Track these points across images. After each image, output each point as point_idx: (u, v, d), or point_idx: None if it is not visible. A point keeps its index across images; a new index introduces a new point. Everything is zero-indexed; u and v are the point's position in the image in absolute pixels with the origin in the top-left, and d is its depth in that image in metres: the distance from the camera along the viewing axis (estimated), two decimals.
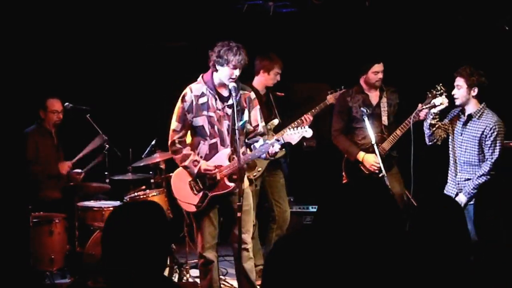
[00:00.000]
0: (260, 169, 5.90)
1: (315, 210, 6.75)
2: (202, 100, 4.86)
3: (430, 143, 5.23)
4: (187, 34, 7.25)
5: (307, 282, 1.70)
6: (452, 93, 5.04)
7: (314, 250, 1.74)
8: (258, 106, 5.06)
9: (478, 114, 5.00)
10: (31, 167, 6.18)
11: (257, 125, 5.04)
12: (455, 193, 5.10)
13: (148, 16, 7.06)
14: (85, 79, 7.18)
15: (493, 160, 4.93)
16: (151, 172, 6.26)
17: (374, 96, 5.86)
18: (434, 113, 5.10)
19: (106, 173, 6.29)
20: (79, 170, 6.28)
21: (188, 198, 4.93)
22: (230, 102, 4.87)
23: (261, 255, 6.01)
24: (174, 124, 4.87)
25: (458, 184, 5.11)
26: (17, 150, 6.12)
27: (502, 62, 6.46)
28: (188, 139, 4.98)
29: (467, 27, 6.64)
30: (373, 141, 5.28)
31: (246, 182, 5.00)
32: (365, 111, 5.42)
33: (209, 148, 4.88)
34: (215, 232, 4.99)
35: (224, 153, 4.87)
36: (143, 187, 6.23)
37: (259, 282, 4.93)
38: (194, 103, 4.84)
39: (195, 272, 5.91)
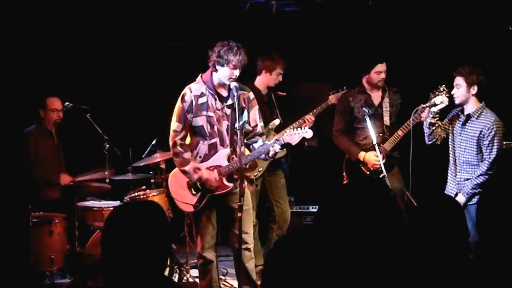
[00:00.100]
0: (261, 169, 5.89)
1: (315, 210, 6.73)
2: (202, 100, 4.86)
3: (430, 143, 5.23)
4: (188, 34, 7.25)
5: (306, 282, 1.69)
6: (452, 92, 5.04)
7: (314, 250, 1.73)
8: (257, 106, 5.05)
9: (477, 114, 4.99)
10: (31, 167, 6.17)
11: (256, 125, 5.04)
12: (455, 193, 5.09)
13: (149, 16, 7.06)
14: (85, 79, 7.18)
15: (490, 160, 4.92)
16: (151, 172, 6.26)
17: (376, 96, 5.85)
18: (433, 112, 5.09)
19: (106, 173, 6.29)
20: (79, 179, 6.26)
21: (186, 198, 4.92)
22: (229, 102, 4.88)
23: (262, 255, 6.00)
24: (174, 124, 4.86)
25: (458, 184, 5.11)
26: (17, 150, 6.12)
27: (502, 62, 6.45)
28: (187, 139, 4.98)
29: (467, 27, 6.64)
30: (375, 142, 5.28)
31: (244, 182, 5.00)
32: (367, 111, 5.41)
33: (209, 148, 4.88)
34: (214, 232, 5.00)
35: (223, 153, 4.87)
36: (143, 187, 6.23)
37: (259, 282, 4.93)
38: (193, 103, 4.84)
39: (195, 272, 5.90)
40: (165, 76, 7.28)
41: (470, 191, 4.98)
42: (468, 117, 5.03)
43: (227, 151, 4.87)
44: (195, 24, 7.12)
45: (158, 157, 6.12)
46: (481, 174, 4.95)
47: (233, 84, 4.78)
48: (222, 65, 4.77)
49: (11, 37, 6.16)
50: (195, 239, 5.09)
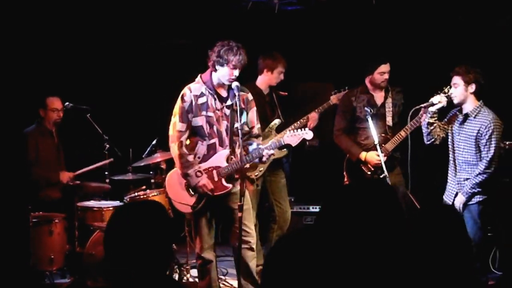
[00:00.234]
0: (262, 168, 5.89)
1: (315, 210, 6.75)
2: (201, 100, 4.85)
3: (428, 142, 5.22)
4: (190, 33, 7.24)
5: (306, 282, 1.69)
6: (450, 92, 5.03)
7: (314, 250, 1.73)
8: (255, 108, 5.06)
9: (475, 113, 4.99)
10: (31, 167, 6.17)
11: (253, 127, 5.05)
12: (455, 193, 5.09)
13: (149, 16, 7.06)
14: (85, 79, 7.18)
15: (489, 159, 4.91)
16: (151, 172, 6.26)
17: (379, 97, 5.84)
18: (431, 111, 5.09)
19: (106, 173, 6.29)
20: (78, 182, 6.26)
21: (184, 199, 4.91)
22: (229, 102, 4.88)
23: (262, 255, 5.99)
24: (178, 124, 4.84)
25: (458, 184, 5.10)
26: (17, 150, 6.12)
27: (502, 62, 6.46)
28: (188, 140, 4.98)
29: (467, 27, 6.64)
30: (376, 142, 5.27)
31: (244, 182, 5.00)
32: (369, 111, 5.40)
33: (208, 148, 4.88)
34: (213, 232, 5.00)
35: (222, 154, 4.87)
36: (144, 187, 6.22)
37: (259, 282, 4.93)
38: (193, 103, 4.84)
39: (195, 272, 5.90)
40: (165, 76, 7.28)
41: (470, 190, 4.97)
42: (466, 116, 5.02)
43: (226, 152, 4.87)
44: (197, 23, 7.12)
45: (158, 157, 6.11)
46: (479, 173, 4.94)
47: (235, 84, 4.78)
48: (222, 65, 4.77)
49: (12, 37, 6.16)
50: (194, 239, 5.09)
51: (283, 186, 6.17)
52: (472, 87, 4.96)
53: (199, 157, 4.89)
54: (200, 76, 4.93)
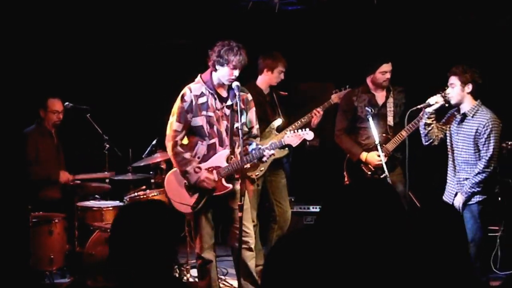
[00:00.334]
0: (262, 168, 5.89)
1: (315, 210, 6.75)
2: (202, 100, 4.85)
3: (427, 143, 5.20)
4: (190, 33, 7.24)
5: (306, 282, 1.69)
6: (447, 92, 5.01)
7: (314, 250, 1.73)
8: (254, 108, 5.07)
9: (473, 113, 4.97)
10: (31, 167, 6.17)
11: (252, 127, 5.06)
12: (455, 193, 5.07)
13: (149, 16, 7.05)
14: (85, 79, 7.18)
15: (487, 158, 4.89)
16: (151, 172, 6.26)
17: (380, 96, 5.83)
18: (428, 112, 5.08)
19: (106, 172, 6.28)
20: (78, 182, 6.26)
21: (184, 199, 4.90)
22: (229, 102, 4.88)
23: (262, 255, 6.00)
24: (175, 124, 4.84)
25: (458, 184, 5.08)
26: (17, 150, 6.12)
27: (502, 62, 6.46)
28: (185, 139, 4.97)
29: (467, 27, 6.64)
30: (377, 142, 5.27)
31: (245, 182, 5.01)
32: (370, 111, 5.39)
33: (208, 148, 4.88)
34: (213, 232, 5.00)
35: (222, 154, 4.87)
36: (143, 187, 6.22)
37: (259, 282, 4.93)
38: (194, 102, 4.83)
39: (195, 272, 5.90)
40: (165, 76, 7.28)
41: (469, 190, 4.96)
42: (464, 116, 5.01)
43: (226, 152, 4.87)
44: (197, 23, 7.11)
45: (158, 157, 6.11)
46: (479, 172, 4.92)
47: (235, 84, 4.78)
48: (222, 65, 4.77)
49: (12, 38, 6.15)
50: (194, 239, 5.08)
51: (284, 186, 6.17)
52: (469, 87, 4.95)
53: (199, 157, 4.89)
54: (200, 76, 4.93)
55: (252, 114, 5.04)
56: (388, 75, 5.73)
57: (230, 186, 4.89)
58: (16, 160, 6.02)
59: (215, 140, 4.87)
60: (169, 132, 4.87)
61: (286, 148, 5.81)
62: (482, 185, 4.93)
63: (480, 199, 4.98)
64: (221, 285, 5.68)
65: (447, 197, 5.18)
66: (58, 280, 5.87)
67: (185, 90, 4.88)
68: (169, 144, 4.87)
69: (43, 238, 5.65)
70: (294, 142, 4.96)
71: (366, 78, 5.84)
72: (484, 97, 5.08)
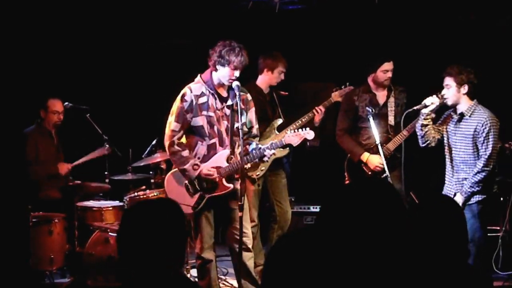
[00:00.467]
0: (263, 168, 5.89)
1: (316, 210, 6.74)
2: (202, 100, 4.85)
3: (424, 145, 5.18)
4: (190, 33, 7.24)
5: (307, 282, 1.69)
6: (442, 93, 5.00)
7: (315, 250, 1.73)
8: (254, 108, 5.06)
9: (470, 112, 4.96)
10: (30, 167, 6.16)
11: (252, 127, 5.06)
12: (453, 193, 5.05)
13: (149, 15, 7.05)
14: (85, 79, 7.17)
15: (487, 156, 4.88)
16: (151, 172, 6.26)
17: (381, 96, 5.82)
18: (425, 113, 5.06)
19: (106, 173, 6.29)
20: (79, 182, 6.26)
21: (184, 200, 4.89)
22: (229, 102, 4.88)
23: (263, 255, 5.99)
24: (173, 124, 4.84)
25: (456, 184, 5.07)
26: (17, 150, 6.11)
27: (502, 62, 6.45)
28: (183, 139, 4.97)
29: (467, 27, 6.64)
30: (377, 141, 5.26)
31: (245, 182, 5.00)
32: (370, 110, 5.37)
33: (208, 148, 4.87)
34: (212, 232, 5.00)
35: (223, 154, 4.87)
36: (143, 187, 6.22)
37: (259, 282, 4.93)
38: (194, 102, 4.83)
39: (195, 272, 5.90)
40: (165, 76, 7.27)
41: (469, 189, 4.95)
42: (462, 116, 4.99)
43: (226, 152, 4.87)
44: (197, 23, 7.11)
45: (158, 157, 6.11)
46: (478, 172, 4.91)
47: (235, 84, 4.78)
48: (223, 65, 4.77)
49: (12, 38, 6.15)
50: (194, 239, 5.08)
51: (284, 186, 6.17)
52: (465, 88, 4.94)
53: (199, 158, 4.89)
54: (200, 76, 4.93)
55: (252, 114, 5.04)
56: (389, 74, 5.72)
57: (231, 186, 4.89)
58: (16, 160, 6.02)
59: (215, 140, 4.86)
60: (167, 132, 4.87)
61: (287, 148, 5.80)
62: (482, 184, 4.92)
63: (480, 198, 4.97)
64: (221, 285, 5.67)
65: None
66: (58, 280, 5.87)
67: (185, 90, 4.88)
68: (166, 144, 4.88)
69: (43, 238, 5.65)
70: (295, 141, 4.96)
71: (367, 77, 5.83)
72: (485, 97, 5.08)
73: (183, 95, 4.85)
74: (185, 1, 6.93)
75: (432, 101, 5.02)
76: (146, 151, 6.32)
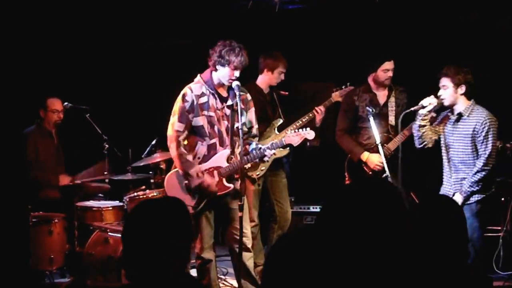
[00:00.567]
0: (263, 168, 5.89)
1: (315, 210, 6.74)
2: (203, 99, 4.85)
3: (420, 146, 5.16)
4: (190, 33, 7.23)
5: (307, 282, 1.69)
6: (438, 94, 4.98)
7: (315, 250, 1.73)
8: (253, 108, 5.06)
9: (468, 112, 4.95)
10: (30, 167, 6.16)
11: (252, 127, 5.06)
12: (452, 193, 5.04)
13: (149, 15, 7.05)
14: (85, 79, 7.17)
15: (486, 155, 4.87)
16: (151, 172, 6.26)
17: (382, 95, 5.82)
18: (423, 114, 5.05)
19: (105, 173, 6.28)
20: (78, 182, 6.26)
21: (184, 200, 4.86)
22: (229, 102, 4.87)
23: (263, 255, 5.99)
24: (177, 124, 4.82)
25: (454, 184, 5.05)
26: (17, 150, 6.12)
27: (502, 62, 6.45)
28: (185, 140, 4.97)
29: (467, 27, 6.64)
30: (378, 141, 5.25)
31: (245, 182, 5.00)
32: (370, 110, 5.36)
33: (208, 148, 4.87)
34: (212, 232, 5.00)
35: (223, 154, 4.87)
36: (143, 187, 6.22)
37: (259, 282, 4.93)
38: (195, 103, 4.83)
39: (195, 272, 5.89)
40: (165, 76, 7.27)
41: (468, 189, 4.94)
42: (460, 116, 4.98)
43: (227, 152, 4.87)
44: (197, 23, 7.11)
45: (157, 157, 6.11)
46: (478, 171, 4.90)
47: (235, 83, 4.77)
48: (223, 65, 4.77)
49: (12, 37, 6.15)
50: (194, 240, 5.08)
51: (284, 186, 6.17)
52: (462, 89, 4.93)
53: (199, 158, 4.88)
54: (200, 76, 4.92)
55: (251, 114, 5.04)
56: (390, 73, 5.71)
57: (231, 186, 4.89)
58: (16, 160, 6.02)
59: (216, 140, 4.86)
60: (171, 132, 4.85)
61: (287, 148, 5.80)
62: (481, 184, 4.92)
63: (479, 198, 4.96)
64: (221, 285, 5.68)
65: None
66: (58, 280, 5.87)
67: (186, 90, 4.87)
68: (172, 145, 4.84)
69: (43, 238, 5.65)
70: (295, 141, 4.95)
71: (368, 77, 5.83)
72: (485, 97, 5.07)
73: (184, 95, 4.84)
74: (185, 1, 6.92)
75: (429, 102, 5.01)
76: (146, 151, 6.31)
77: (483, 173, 4.89)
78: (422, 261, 2.49)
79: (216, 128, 4.85)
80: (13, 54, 6.18)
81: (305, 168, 7.25)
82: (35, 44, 6.68)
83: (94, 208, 5.94)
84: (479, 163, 4.90)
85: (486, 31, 6.57)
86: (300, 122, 5.90)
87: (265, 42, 6.50)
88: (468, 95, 4.96)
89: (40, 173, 6.18)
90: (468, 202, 4.96)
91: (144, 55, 7.46)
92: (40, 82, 6.68)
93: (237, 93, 4.74)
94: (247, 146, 4.95)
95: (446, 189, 5.13)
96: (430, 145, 5.14)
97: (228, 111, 4.88)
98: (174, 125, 4.83)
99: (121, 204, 6.02)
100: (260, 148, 4.83)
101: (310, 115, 5.93)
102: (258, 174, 5.88)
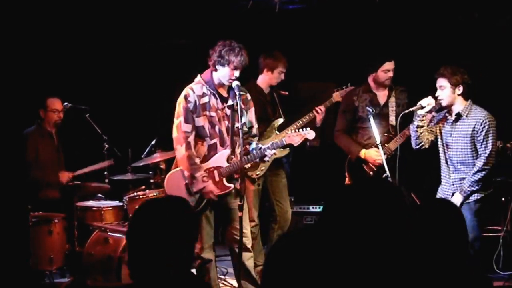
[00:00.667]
0: (263, 168, 5.88)
1: (315, 210, 6.74)
2: (204, 100, 4.84)
3: (417, 147, 5.14)
4: (190, 33, 7.23)
5: (307, 281, 1.69)
6: (436, 94, 4.97)
7: (315, 250, 1.73)
8: (253, 108, 5.06)
9: (467, 112, 4.95)
10: (30, 168, 6.16)
11: (252, 127, 5.06)
12: (451, 194, 5.04)
13: (149, 15, 7.05)
14: (85, 79, 7.17)
15: (487, 155, 4.87)
16: (150, 172, 6.25)
17: (382, 95, 5.81)
18: (421, 114, 5.05)
19: (105, 173, 6.28)
20: (78, 182, 6.26)
21: None
22: (230, 102, 4.87)
23: (263, 255, 5.99)
24: (184, 126, 4.79)
25: (453, 184, 5.05)
26: (17, 150, 6.11)
27: (502, 62, 6.45)
28: None
29: (467, 27, 6.63)
30: (378, 141, 5.24)
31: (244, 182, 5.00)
32: (371, 110, 5.35)
33: (208, 149, 4.87)
34: (212, 232, 5.00)
35: (223, 154, 4.86)
36: (143, 187, 6.22)
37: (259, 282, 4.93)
38: (197, 103, 4.82)
39: (195, 272, 5.89)
40: (165, 76, 7.27)
41: (468, 188, 4.93)
42: (458, 116, 4.98)
43: (227, 152, 4.86)
44: (197, 23, 7.10)
45: (157, 157, 6.11)
46: (478, 170, 4.90)
47: (235, 83, 4.77)
48: (223, 65, 4.76)
49: (12, 38, 6.15)
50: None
51: (284, 186, 6.16)
52: (460, 89, 4.93)
53: (199, 158, 4.88)
54: (201, 76, 4.92)
55: (251, 114, 5.04)
56: (390, 74, 5.70)
57: (232, 186, 4.88)
58: (16, 161, 6.02)
59: (216, 140, 4.86)
60: (177, 134, 4.82)
61: (287, 148, 5.80)
62: (482, 183, 4.92)
63: (479, 197, 4.96)
64: (220, 285, 5.68)
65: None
66: (58, 280, 5.87)
67: (187, 91, 4.86)
68: (180, 147, 4.80)
69: (43, 238, 5.65)
70: (296, 141, 4.95)
71: (368, 77, 5.82)
72: (485, 97, 5.07)
73: (186, 96, 4.82)
74: (185, 1, 6.92)
75: (428, 102, 5.01)
76: (146, 151, 6.31)
77: (484, 172, 4.89)
78: (422, 262, 2.49)
79: (217, 128, 4.84)
80: (13, 54, 6.17)
81: (305, 168, 7.25)
82: (35, 44, 6.68)
83: (94, 208, 5.95)
84: (480, 163, 4.90)
85: (486, 31, 6.57)
86: (300, 122, 5.89)
87: (265, 42, 6.49)
88: (465, 95, 4.96)
89: (40, 173, 6.18)
90: (468, 201, 4.96)
91: (144, 55, 7.45)
92: (40, 82, 6.67)
93: (237, 93, 4.74)
94: (247, 146, 4.95)
95: (444, 189, 5.13)
96: (426, 146, 5.13)
97: (228, 111, 4.87)
98: (181, 126, 4.80)
99: (121, 204, 6.03)
100: (261, 148, 4.83)
101: (311, 115, 5.93)
102: (258, 174, 5.88)
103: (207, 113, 4.82)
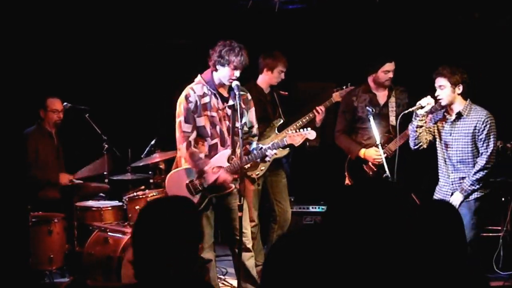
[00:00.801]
0: (263, 168, 5.88)
1: (315, 210, 6.74)
2: (205, 100, 4.84)
3: (415, 147, 5.14)
4: (190, 33, 7.23)
5: (306, 281, 1.69)
6: (436, 94, 4.97)
7: (315, 250, 1.73)
8: (253, 108, 5.06)
9: (467, 111, 4.95)
10: (30, 168, 6.16)
11: (252, 127, 5.06)
12: (450, 193, 5.03)
13: (149, 15, 7.05)
14: (85, 79, 7.17)
15: (488, 153, 4.87)
16: (150, 172, 6.25)
17: (382, 96, 5.80)
18: (420, 114, 5.05)
19: (105, 173, 6.28)
20: (78, 182, 6.26)
21: None
22: (230, 102, 4.87)
23: (263, 255, 5.99)
24: (184, 126, 4.80)
25: (453, 184, 5.04)
26: (17, 150, 6.11)
27: (503, 62, 6.45)
28: None
29: (467, 27, 6.63)
30: (378, 141, 5.24)
31: (244, 182, 5.00)
32: (370, 110, 5.35)
33: (209, 149, 4.87)
34: (212, 232, 5.00)
35: (224, 154, 4.86)
36: (142, 187, 6.22)
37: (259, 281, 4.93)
38: (198, 103, 4.82)
39: None
40: (165, 76, 7.27)
41: (469, 188, 4.93)
42: (459, 115, 4.98)
43: (228, 152, 4.86)
44: (197, 23, 7.10)
45: (157, 157, 6.11)
46: (480, 169, 4.89)
47: (235, 83, 4.77)
48: (223, 65, 4.76)
49: (12, 38, 6.15)
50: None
51: (284, 186, 6.16)
52: (460, 89, 4.93)
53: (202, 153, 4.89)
54: (201, 76, 4.92)
55: (251, 114, 5.04)
56: (391, 74, 5.70)
57: (233, 186, 4.89)
58: (16, 161, 6.02)
59: (217, 140, 4.86)
60: (179, 134, 4.83)
61: (287, 148, 5.80)
62: (482, 182, 4.91)
63: (478, 195, 4.96)
64: (220, 285, 5.68)
65: (440, 197, 5.13)
66: (58, 280, 5.87)
67: (188, 91, 4.86)
68: (182, 146, 4.82)
69: (43, 238, 5.66)
70: (297, 141, 4.95)
71: (368, 77, 5.81)
72: (484, 96, 5.07)
73: (187, 96, 4.82)
74: (185, 1, 6.92)
75: (428, 102, 5.00)
76: (145, 151, 6.31)
77: (485, 171, 4.89)
78: (422, 262, 2.49)
79: (218, 128, 4.84)
80: (13, 54, 6.17)
81: (305, 168, 7.25)
82: (35, 44, 6.67)
83: (93, 208, 5.96)
84: (481, 162, 4.90)
85: (486, 31, 6.57)
86: (301, 122, 5.89)
87: (265, 42, 6.49)
88: (465, 94, 4.96)
89: (40, 173, 6.18)
90: (468, 199, 4.96)
91: (144, 55, 7.45)
92: (40, 82, 6.67)
93: (237, 93, 4.74)
94: (247, 146, 4.95)
95: (443, 189, 5.12)
96: (424, 146, 5.13)
97: (229, 111, 4.87)
98: (181, 126, 4.81)
99: (121, 204, 6.03)
100: (261, 148, 4.83)
101: (311, 115, 5.93)
102: (258, 174, 5.88)
103: (208, 113, 4.82)
